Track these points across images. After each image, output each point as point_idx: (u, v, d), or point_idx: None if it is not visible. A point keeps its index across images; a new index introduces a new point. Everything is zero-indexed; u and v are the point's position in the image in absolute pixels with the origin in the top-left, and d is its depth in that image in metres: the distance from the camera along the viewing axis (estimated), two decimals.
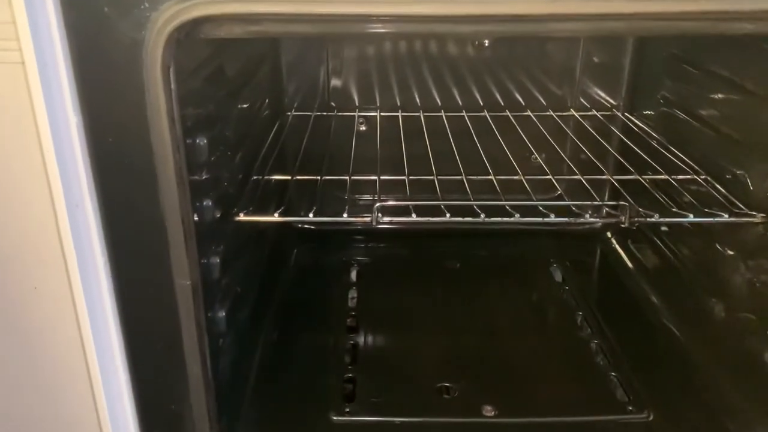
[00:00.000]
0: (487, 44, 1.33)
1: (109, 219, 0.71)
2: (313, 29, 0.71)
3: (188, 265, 0.72)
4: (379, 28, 0.69)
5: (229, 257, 0.89)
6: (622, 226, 0.87)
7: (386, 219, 0.86)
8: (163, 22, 0.64)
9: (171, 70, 0.66)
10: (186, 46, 0.68)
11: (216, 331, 0.85)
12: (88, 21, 0.64)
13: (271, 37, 1.22)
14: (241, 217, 0.90)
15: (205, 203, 0.81)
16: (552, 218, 0.87)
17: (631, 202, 0.89)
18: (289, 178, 1.05)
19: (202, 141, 0.79)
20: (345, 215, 0.89)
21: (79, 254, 0.70)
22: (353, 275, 1.32)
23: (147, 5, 0.63)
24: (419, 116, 1.34)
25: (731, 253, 0.97)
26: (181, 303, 0.74)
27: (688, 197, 1.02)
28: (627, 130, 1.31)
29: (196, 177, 0.79)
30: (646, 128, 1.26)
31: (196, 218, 0.75)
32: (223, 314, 0.86)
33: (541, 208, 0.89)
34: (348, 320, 1.16)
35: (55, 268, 0.72)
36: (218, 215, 0.85)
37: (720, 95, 1.03)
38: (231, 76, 0.99)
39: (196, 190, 0.77)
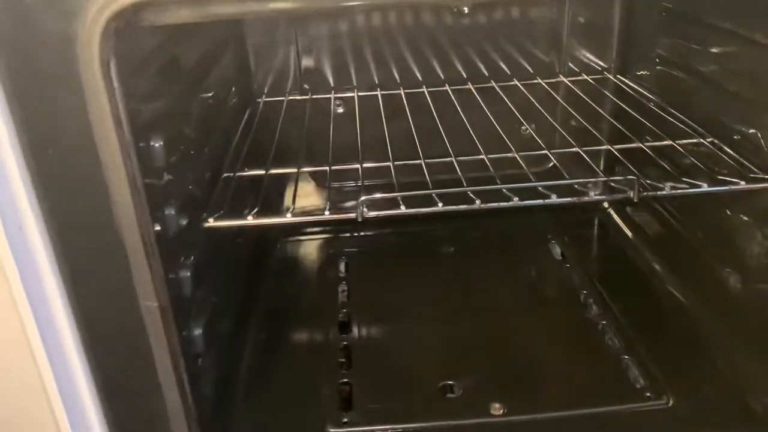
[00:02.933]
0: (466, 11, 1.24)
1: (59, 240, 0.64)
2: (274, 7, 0.62)
3: (153, 285, 0.66)
4: (352, 1, 0.60)
5: (201, 268, 0.80)
6: (633, 201, 0.79)
7: (372, 213, 0.78)
8: (97, 10, 0.56)
9: (112, 65, 0.59)
10: (128, 36, 0.60)
11: (193, 351, 0.78)
12: (7, 15, 0.56)
13: (230, 20, 1.12)
14: (211, 223, 0.81)
15: (167, 212, 0.73)
16: (555, 199, 0.79)
17: (638, 174, 0.81)
18: (264, 172, 0.96)
19: (157, 142, 0.70)
20: (327, 212, 0.81)
21: (26, 283, 0.62)
22: (342, 267, 1.25)
23: None
24: (400, 93, 1.25)
25: (746, 219, 0.91)
26: (149, 327, 0.67)
27: (692, 160, 0.95)
28: (620, 93, 1.23)
29: (154, 182, 0.70)
30: (642, 90, 1.19)
31: (158, 229, 0.67)
32: (200, 332, 0.78)
33: (540, 188, 0.81)
34: (340, 317, 1.10)
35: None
36: (184, 223, 0.76)
37: (724, 50, 0.95)
38: (189, 66, 0.90)
39: (156, 198, 0.69)
